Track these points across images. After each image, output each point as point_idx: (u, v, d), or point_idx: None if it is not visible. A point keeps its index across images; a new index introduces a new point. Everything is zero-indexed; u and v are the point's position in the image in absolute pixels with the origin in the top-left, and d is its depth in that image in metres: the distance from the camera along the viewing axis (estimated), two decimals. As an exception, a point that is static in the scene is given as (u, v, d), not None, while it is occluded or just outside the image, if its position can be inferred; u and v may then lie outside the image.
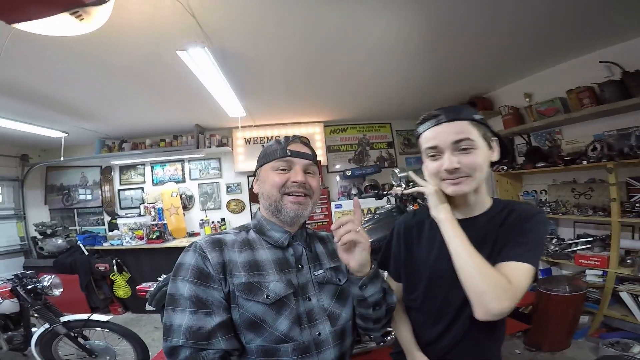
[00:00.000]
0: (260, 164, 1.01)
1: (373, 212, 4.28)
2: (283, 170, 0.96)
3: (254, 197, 1.10)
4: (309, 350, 0.85)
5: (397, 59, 2.83)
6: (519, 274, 0.79)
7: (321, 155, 4.69)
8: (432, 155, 0.90)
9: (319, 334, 0.88)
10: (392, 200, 2.44)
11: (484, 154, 0.88)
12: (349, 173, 4.73)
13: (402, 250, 1.06)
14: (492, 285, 0.76)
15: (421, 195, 2.09)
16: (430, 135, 0.90)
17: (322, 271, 0.97)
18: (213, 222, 4.70)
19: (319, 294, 0.93)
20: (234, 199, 4.88)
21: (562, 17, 2.29)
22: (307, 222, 1.05)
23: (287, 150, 0.96)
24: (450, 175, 0.87)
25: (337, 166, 5.03)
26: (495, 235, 0.89)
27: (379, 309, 0.92)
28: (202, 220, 4.74)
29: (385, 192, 2.51)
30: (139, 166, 4.94)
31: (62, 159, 4.33)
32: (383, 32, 2.34)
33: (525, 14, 2.21)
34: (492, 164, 0.95)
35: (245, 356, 0.84)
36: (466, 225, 0.90)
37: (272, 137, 4.66)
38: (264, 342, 0.83)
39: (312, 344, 0.86)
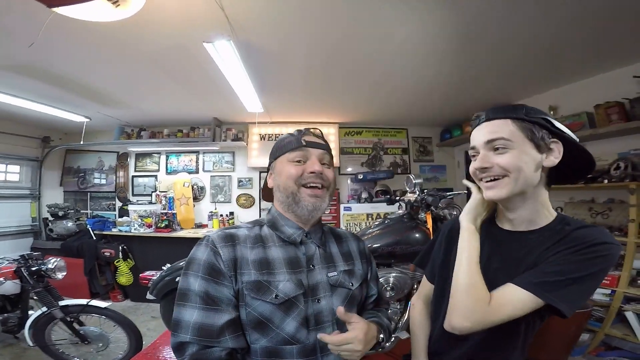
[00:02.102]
0: (275, 156, 0.98)
1: (383, 217, 4.27)
2: (299, 161, 0.93)
3: (266, 196, 1.07)
4: (314, 353, 0.83)
5: (420, 63, 2.79)
6: (507, 301, 0.74)
7: (334, 157, 4.65)
8: (473, 156, 0.87)
9: None
10: (404, 206, 2.40)
11: (526, 155, 0.78)
12: (360, 176, 4.68)
13: (441, 253, 1.02)
14: (466, 303, 0.76)
15: (436, 203, 2.08)
16: (472, 136, 0.87)
17: (335, 273, 0.94)
18: (222, 215, 4.72)
19: (329, 297, 0.90)
20: (245, 194, 4.89)
21: (597, 31, 2.21)
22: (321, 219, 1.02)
23: (302, 141, 0.94)
24: (483, 174, 0.84)
25: (349, 169, 4.98)
26: (535, 260, 0.79)
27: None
28: (211, 212, 4.76)
29: (398, 198, 2.47)
30: (155, 154, 5.00)
31: (81, 142, 4.42)
32: (408, 36, 2.31)
33: (557, 25, 2.15)
34: (559, 177, 0.85)
35: (249, 356, 0.82)
36: (510, 239, 0.86)
37: (286, 135, 4.65)
38: (269, 342, 0.81)
39: (318, 347, 0.84)
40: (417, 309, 1.08)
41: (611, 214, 2.90)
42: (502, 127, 0.80)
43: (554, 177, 0.85)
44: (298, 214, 0.92)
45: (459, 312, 0.77)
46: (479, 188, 0.89)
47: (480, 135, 0.83)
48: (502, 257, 0.84)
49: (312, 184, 0.92)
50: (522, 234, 0.85)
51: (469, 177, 0.93)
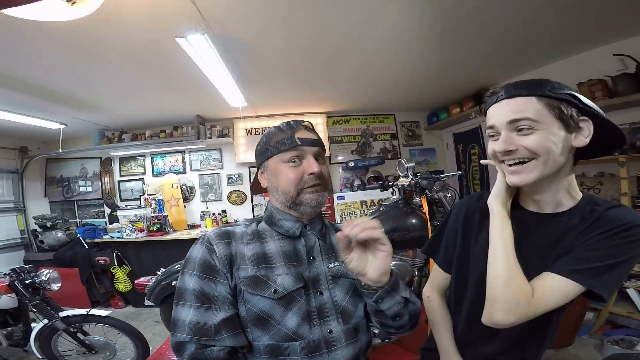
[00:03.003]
0: (266, 156, 0.92)
1: (377, 203, 4.27)
2: (294, 162, 0.88)
3: (257, 189, 1.03)
4: (319, 349, 0.80)
5: (405, 48, 2.75)
6: (549, 291, 0.71)
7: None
8: (491, 136, 0.80)
9: (330, 332, 0.83)
10: (397, 191, 2.38)
11: (554, 136, 0.71)
12: (351, 164, 4.66)
13: (458, 239, 0.95)
14: (508, 296, 0.71)
15: (430, 186, 2.07)
16: (489, 114, 0.80)
17: (336, 264, 0.91)
18: (214, 214, 4.65)
19: (332, 289, 0.87)
20: (235, 190, 4.83)
21: (576, 10, 2.21)
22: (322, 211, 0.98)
23: (297, 139, 0.88)
24: (506, 157, 0.76)
25: (340, 157, 4.95)
26: (569, 245, 0.75)
27: (400, 319, 0.83)
28: (202, 212, 4.69)
29: (391, 183, 2.44)
30: (139, 157, 4.87)
31: (60, 150, 4.28)
32: (392, 22, 2.27)
33: (538, 5, 2.14)
34: (584, 152, 0.78)
35: (253, 354, 0.80)
36: (539, 222, 0.81)
37: (273, 128, 4.60)
38: (271, 339, 0.79)
39: (323, 342, 0.81)
40: (435, 302, 1.02)
41: (602, 188, 2.94)
42: (527, 106, 0.72)
43: (579, 154, 0.79)
44: (300, 211, 0.90)
45: (501, 306, 0.72)
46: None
47: (500, 114, 0.75)
48: (532, 243, 0.80)
49: (312, 186, 0.88)
50: (550, 216, 0.80)
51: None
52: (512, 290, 0.71)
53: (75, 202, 4.91)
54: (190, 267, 0.82)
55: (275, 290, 0.80)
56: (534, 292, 0.71)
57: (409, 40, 2.60)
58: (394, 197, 2.41)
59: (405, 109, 5.04)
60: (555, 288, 0.71)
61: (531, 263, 0.76)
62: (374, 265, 0.74)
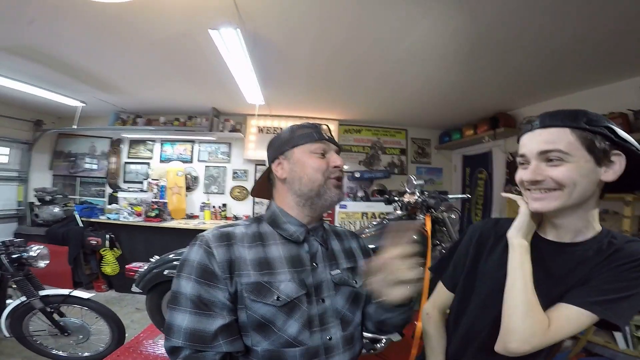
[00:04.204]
0: (292, 144, 0.91)
1: (378, 216, 4.23)
2: (320, 154, 0.90)
3: (262, 192, 1.02)
4: (318, 355, 0.81)
5: (430, 64, 2.73)
6: (566, 321, 0.72)
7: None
8: (521, 164, 0.81)
9: (330, 339, 0.83)
10: (400, 207, 2.35)
11: (583, 169, 0.72)
12: (357, 175, 4.63)
13: (468, 259, 0.95)
14: (525, 327, 0.72)
15: (438, 206, 2.03)
16: (522, 142, 0.80)
17: (338, 271, 0.91)
18: (214, 207, 4.65)
19: (333, 296, 0.87)
20: (239, 186, 4.82)
21: (612, 41, 2.18)
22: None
23: (325, 134, 0.92)
24: (532, 186, 0.77)
25: (346, 167, 4.92)
26: (584, 276, 0.75)
27: (401, 328, 0.90)
28: (203, 203, 4.69)
29: (397, 198, 2.41)
30: (149, 142, 4.90)
31: (74, 127, 4.29)
32: (422, 36, 2.26)
33: (568, 35, 2.13)
34: (613, 186, 0.77)
35: (250, 358, 0.79)
36: (554, 252, 0.81)
37: (284, 129, 4.60)
38: (271, 345, 0.78)
39: (322, 349, 0.81)
40: (434, 320, 1.02)
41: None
42: (560, 137, 0.72)
43: (607, 188, 0.79)
44: (318, 205, 0.89)
45: (518, 336, 0.72)
46: (523, 199, 0.84)
47: (533, 143, 0.76)
48: (545, 270, 0.80)
49: (336, 177, 0.91)
50: (566, 246, 0.80)
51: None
52: (530, 322, 0.72)
53: (79, 179, 4.91)
54: (187, 270, 0.79)
55: (278, 298, 0.78)
56: (550, 323, 0.72)
57: (436, 57, 2.58)
58: (397, 212, 2.38)
59: (418, 125, 5.02)
60: (572, 319, 0.72)
61: (541, 290, 0.76)
62: (400, 290, 0.76)
